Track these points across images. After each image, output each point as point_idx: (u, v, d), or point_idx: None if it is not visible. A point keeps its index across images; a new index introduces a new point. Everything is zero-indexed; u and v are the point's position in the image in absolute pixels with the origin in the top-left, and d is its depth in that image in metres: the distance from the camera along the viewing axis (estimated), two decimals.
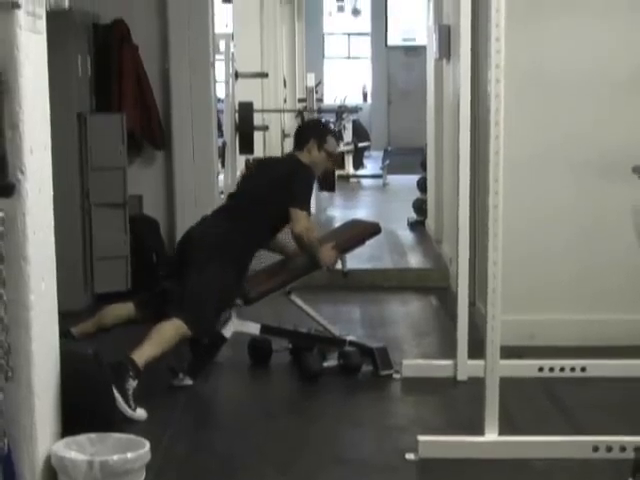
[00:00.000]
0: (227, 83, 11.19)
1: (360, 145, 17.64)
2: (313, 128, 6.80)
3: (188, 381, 5.85)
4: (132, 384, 5.41)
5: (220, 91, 10.55)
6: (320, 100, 17.93)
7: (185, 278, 5.86)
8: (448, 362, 5.96)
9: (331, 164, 6.93)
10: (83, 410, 3.79)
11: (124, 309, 6.00)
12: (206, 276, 5.81)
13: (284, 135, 14.62)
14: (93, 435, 3.66)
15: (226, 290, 5.90)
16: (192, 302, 5.75)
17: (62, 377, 3.75)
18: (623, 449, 4.68)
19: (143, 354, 5.51)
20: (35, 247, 3.51)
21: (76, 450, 3.61)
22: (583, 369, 5.94)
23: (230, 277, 5.92)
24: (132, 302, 6.05)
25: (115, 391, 5.23)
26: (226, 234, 6.03)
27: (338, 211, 13.33)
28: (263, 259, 6.69)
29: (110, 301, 6.23)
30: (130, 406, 5.33)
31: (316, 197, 13.10)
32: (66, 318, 3.87)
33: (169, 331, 5.61)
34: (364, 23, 23.99)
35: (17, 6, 3.35)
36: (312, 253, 6.10)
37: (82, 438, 3.65)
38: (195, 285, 5.81)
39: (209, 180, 8.52)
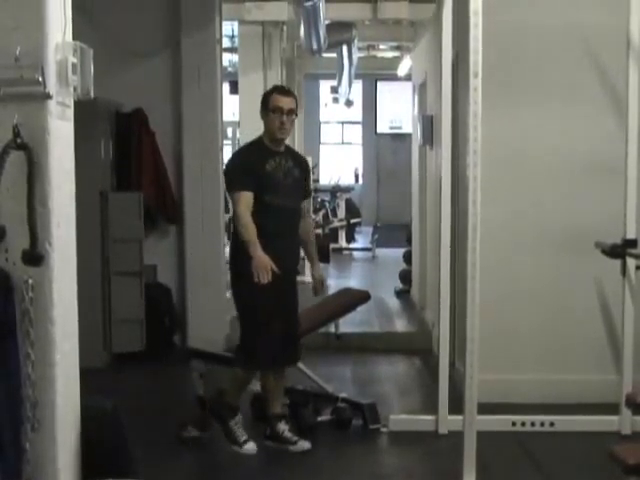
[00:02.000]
0: None
1: (352, 221, 17.70)
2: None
3: (196, 433, 5.82)
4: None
5: None
6: (317, 181, 17.98)
7: None
8: (430, 417, 5.93)
9: (280, 115, 5.62)
10: (102, 458, 3.76)
11: None
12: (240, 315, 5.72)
13: None
14: None
15: (250, 303, 5.56)
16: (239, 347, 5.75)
17: (83, 428, 3.73)
18: None
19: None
20: (60, 311, 3.50)
21: None
22: (552, 424, 5.92)
23: (245, 290, 5.56)
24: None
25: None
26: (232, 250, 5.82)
27: (332, 280, 13.27)
28: None
29: (126, 360, 6.18)
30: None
31: None
32: (86, 374, 3.84)
33: (235, 375, 5.75)
34: (356, 113, 24.14)
35: (49, 97, 3.39)
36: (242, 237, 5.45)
37: None
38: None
39: (217, 251, 8.53)
